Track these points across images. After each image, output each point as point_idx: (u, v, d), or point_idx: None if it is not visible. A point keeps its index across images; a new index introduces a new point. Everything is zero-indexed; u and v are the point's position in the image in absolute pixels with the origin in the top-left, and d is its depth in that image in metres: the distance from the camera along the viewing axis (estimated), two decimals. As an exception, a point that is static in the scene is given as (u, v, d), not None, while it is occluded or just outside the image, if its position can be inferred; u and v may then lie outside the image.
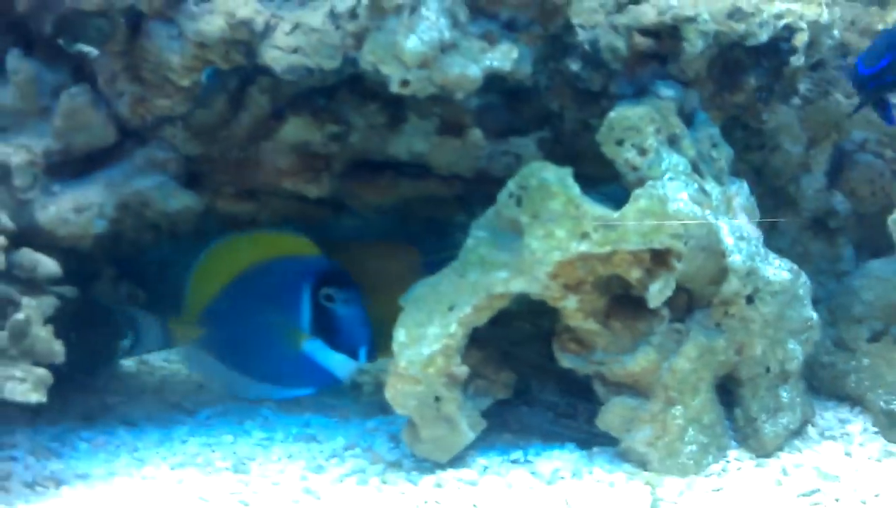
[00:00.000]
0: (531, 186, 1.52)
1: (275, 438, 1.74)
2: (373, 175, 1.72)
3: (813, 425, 1.70)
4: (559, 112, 1.71)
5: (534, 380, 1.69)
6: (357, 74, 1.61)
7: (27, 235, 1.48)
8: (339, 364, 1.78)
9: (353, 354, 1.77)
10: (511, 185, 1.54)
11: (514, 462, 1.59)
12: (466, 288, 1.54)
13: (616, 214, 1.50)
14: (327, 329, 1.76)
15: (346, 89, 1.65)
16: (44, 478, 1.52)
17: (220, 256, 1.79)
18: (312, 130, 1.64)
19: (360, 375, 2.11)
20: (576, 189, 1.51)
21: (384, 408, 1.86)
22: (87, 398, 1.84)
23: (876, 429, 1.69)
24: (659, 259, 1.51)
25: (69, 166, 1.55)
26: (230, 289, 1.79)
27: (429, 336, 1.52)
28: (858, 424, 1.72)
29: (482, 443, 1.61)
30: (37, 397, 1.39)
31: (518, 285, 1.52)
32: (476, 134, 1.67)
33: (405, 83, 1.44)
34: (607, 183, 1.61)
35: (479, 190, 1.75)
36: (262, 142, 1.64)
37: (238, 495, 1.48)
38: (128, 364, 2.11)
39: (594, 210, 1.50)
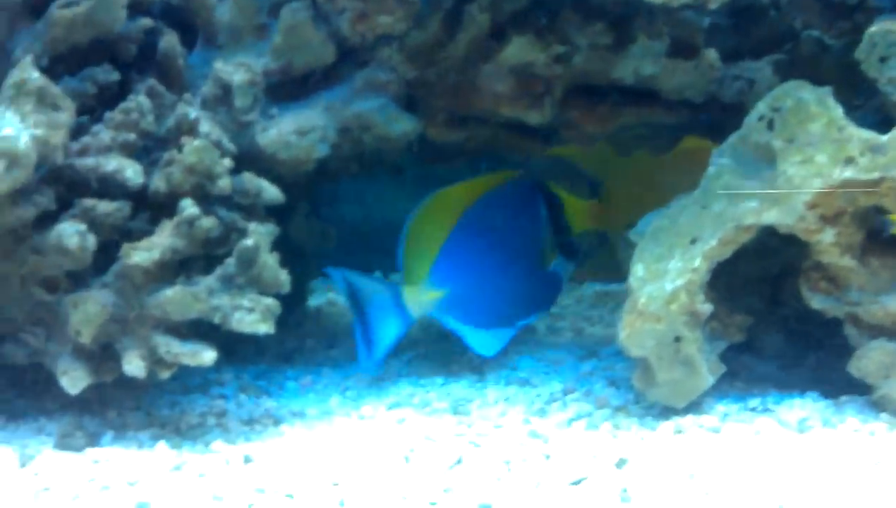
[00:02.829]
0: (786, 108, 1.38)
1: (486, 380, 1.65)
2: (592, 101, 1.60)
3: None
4: (796, 32, 1.58)
5: (758, 327, 1.57)
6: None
7: (245, 160, 1.40)
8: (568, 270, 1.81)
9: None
10: (762, 107, 1.40)
11: (752, 409, 1.47)
12: (710, 219, 1.41)
13: (885, 137, 1.35)
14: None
15: (569, 7, 1.53)
16: (260, 416, 1.45)
17: (430, 214, 1.65)
18: (536, 51, 1.53)
19: (557, 321, 2.02)
20: (839, 109, 1.37)
21: (594, 352, 1.77)
22: (283, 337, 1.77)
23: None
24: (930, 188, 1.36)
25: (286, 88, 1.47)
26: (454, 240, 1.65)
27: (670, 271, 1.41)
28: None
29: (714, 390, 1.48)
30: (265, 328, 1.30)
31: (770, 216, 1.38)
32: (711, 55, 1.55)
33: (664, -11, 1.32)
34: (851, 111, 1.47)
35: (705, 117, 1.63)
36: (481, 64, 1.53)
37: (464, 437, 1.39)
38: (315, 303, 2.05)
39: (860, 133, 1.36)
